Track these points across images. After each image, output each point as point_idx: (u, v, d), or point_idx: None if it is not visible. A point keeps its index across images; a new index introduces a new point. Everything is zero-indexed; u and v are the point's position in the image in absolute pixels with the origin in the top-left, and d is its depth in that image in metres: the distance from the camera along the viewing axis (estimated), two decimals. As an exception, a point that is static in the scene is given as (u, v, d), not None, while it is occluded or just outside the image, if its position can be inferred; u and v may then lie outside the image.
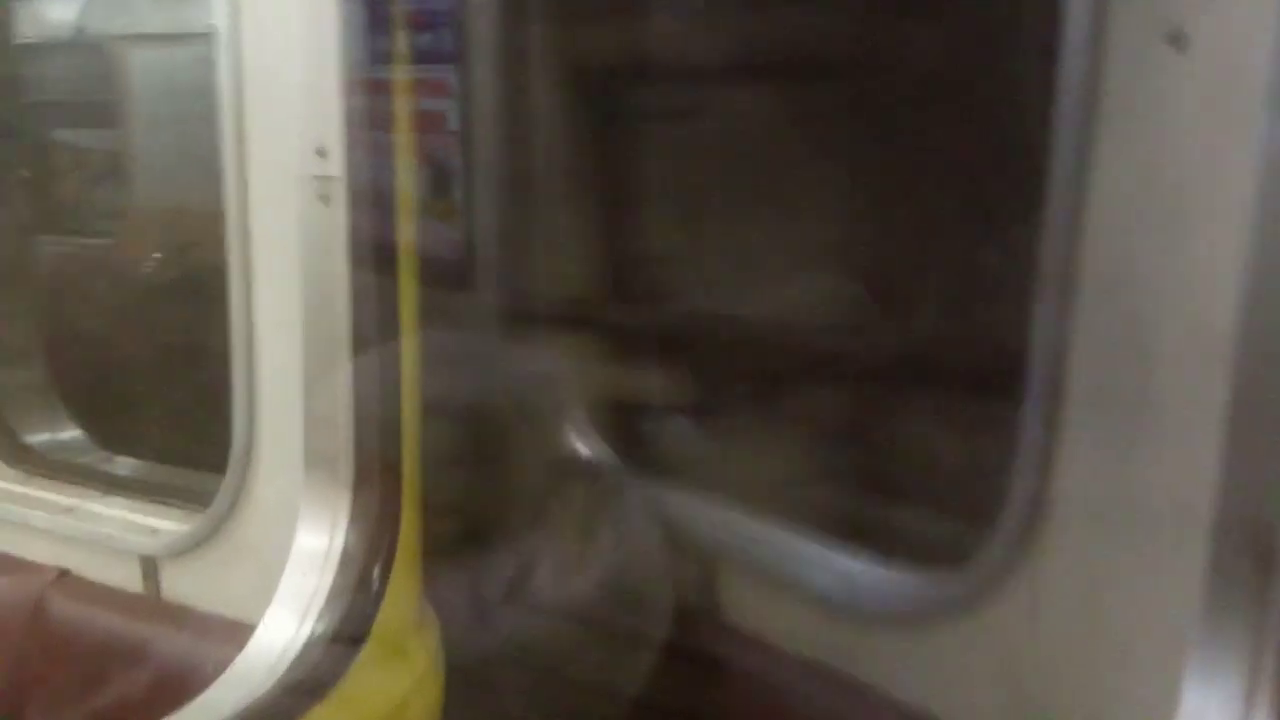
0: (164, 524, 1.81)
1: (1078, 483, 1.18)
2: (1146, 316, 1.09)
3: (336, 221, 1.47)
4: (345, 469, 1.51)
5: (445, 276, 1.99)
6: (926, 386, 1.55)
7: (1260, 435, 0.99)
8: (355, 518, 1.48)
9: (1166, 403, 1.09)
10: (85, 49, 3.45)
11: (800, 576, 1.53)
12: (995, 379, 1.28)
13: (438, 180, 2.06)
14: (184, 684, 1.52)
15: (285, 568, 1.49)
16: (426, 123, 2.02)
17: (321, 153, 1.44)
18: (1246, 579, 1.00)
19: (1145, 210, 1.08)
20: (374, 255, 1.52)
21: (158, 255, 2.95)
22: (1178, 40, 1.02)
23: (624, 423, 1.90)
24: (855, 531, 1.53)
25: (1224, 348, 1.02)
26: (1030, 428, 1.21)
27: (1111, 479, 1.15)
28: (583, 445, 1.89)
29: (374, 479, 1.51)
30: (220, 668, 1.45)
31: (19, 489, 2.03)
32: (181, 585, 1.75)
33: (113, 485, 1.98)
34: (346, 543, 1.47)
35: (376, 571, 1.47)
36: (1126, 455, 1.13)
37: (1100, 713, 1.18)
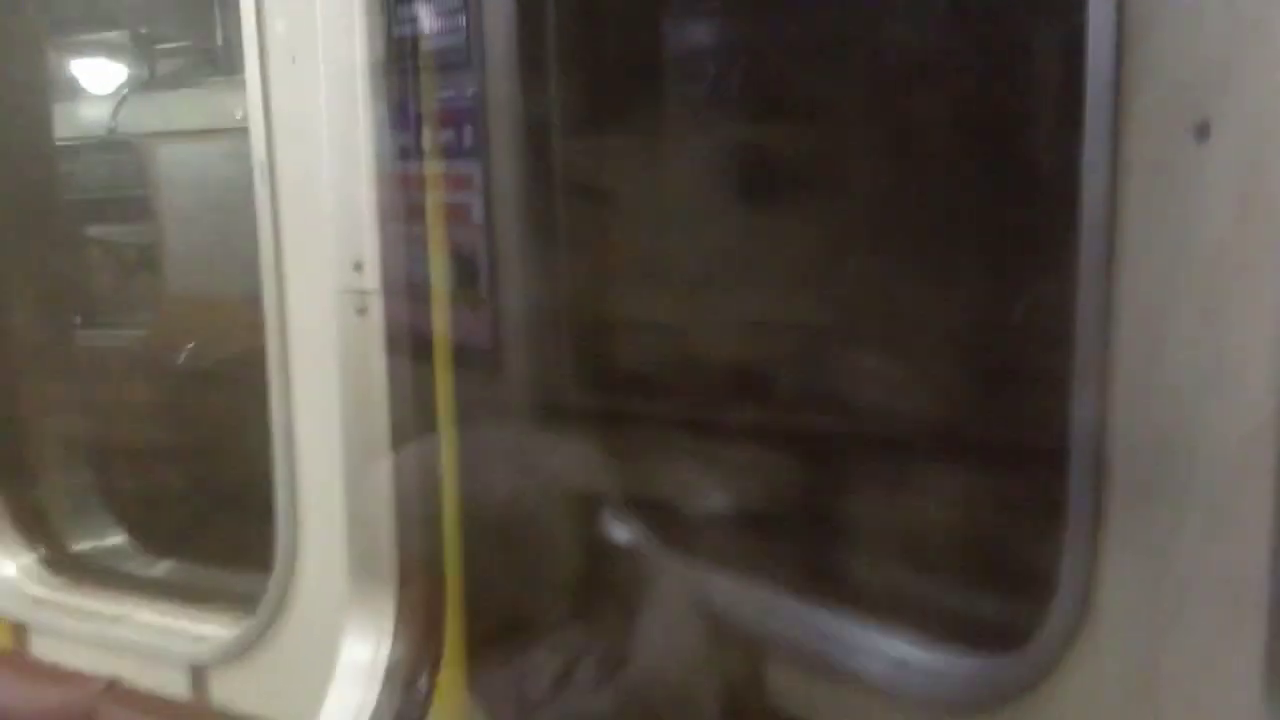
0: (210, 630, 1.82)
1: (1127, 568, 1.17)
2: (1185, 402, 1.09)
3: (373, 329, 1.50)
4: (389, 570, 1.51)
5: (475, 366, 2.00)
6: (973, 474, 1.54)
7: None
8: (401, 621, 1.49)
9: (1211, 486, 1.08)
10: (119, 146, 3.55)
11: (850, 662, 1.51)
12: (1041, 466, 1.27)
13: (463, 271, 2.09)
14: (234, 791, 1.51)
15: (333, 675, 1.49)
16: (453, 216, 2.06)
17: (358, 267, 1.47)
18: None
19: (1177, 297, 1.08)
20: (410, 354, 1.54)
21: (192, 345, 3.00)
22: (1202, 131, 1.03)
23: (665, 509, 1.90)
24: (904, 617, 1.51)
25: (1266, 428, 1.01)
26: (1075, 514, 1.20)
27: (1161, 563, 1.13)
28: (623, 533, 1.89)
29: (418, 579, 1.52)
30: (271, 774, 1.45)
31: (66, 598, 2.05)
32: (229, 691, 1.76)
33: (158, 591, 1.99)
34: (393, 650, 1.47)
35: (424, 677, 1.47)
36: (1175, 538, 1.12)
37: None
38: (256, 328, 1.66)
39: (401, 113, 1.66)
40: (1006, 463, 1.47)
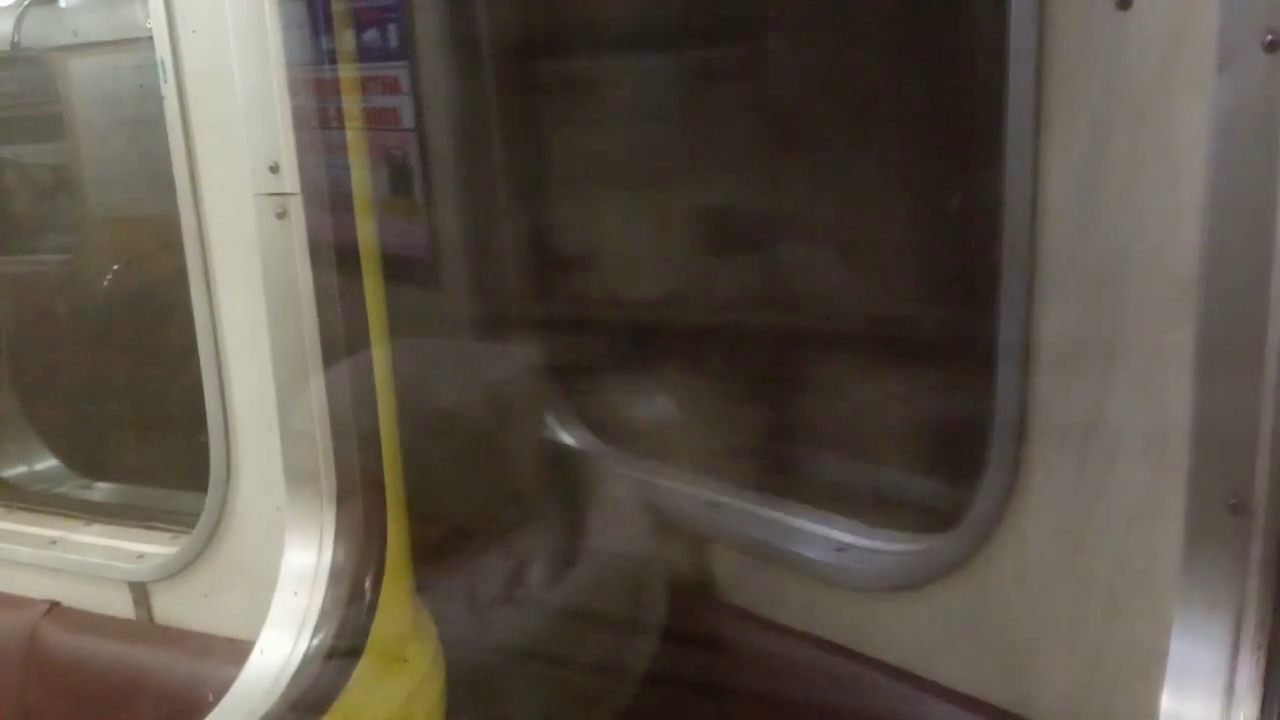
0: (150, 548, 1.80)
1: (1055, 440, 1.19)
2: (1110, 270, 1.10)
3: (295, 235, 1.45)
4: (327, 482, 1.50)
5: (413, 276, 1.97)
6: (901, 353, 1.56)
7: (1228, 381, 1.01)
8: (341, 531, 1.48)
9: (1137, 353, 1.10)
10: (23, 61, 3.38)
11: (790, 549, 1.55)
12: (968, 343, 1.28)
13: (397, 178, 2.03)
14: (184, 706, 1.52)
15: (276, 585, 1.49)
16: (380, 120, 1.99)
17: (274, 169, 1.42)
18: (1226, 527, 1.02)
19: (1101, 170, 1.09)
20: (337, 263, 1.50)
21: (115, 267, 2.91)
22: (1124, 2, 1.02)
23: (609, 410, 1.91)
24: (842, 501, 1.54)
25: (1188, 301, 1.03)
26: (1003, 387, 1.22)
27: (1088, 434, 1.16)
28: (566, 434, 1.89)
29: (357, 490, 1.50)
30: (219, 687, 1.45)
31: (1, 524, 2.02)
32: (173, 608, 1.75)
33: (95, 513, 1.97)
34: (335, 557, 1.47)
35: (368, 582, 1.47)
36: (1101, 409, 1.14)
37: (1091, 665, 1.20)
38: (178, 245, 1.60)
39: (311, 11, 1.59)
40: (937, 346, 1.49)
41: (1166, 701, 1.04)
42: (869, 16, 1.53)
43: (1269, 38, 0.91)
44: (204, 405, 1.64)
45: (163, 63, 1.53)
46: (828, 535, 1.51)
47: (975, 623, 1.31)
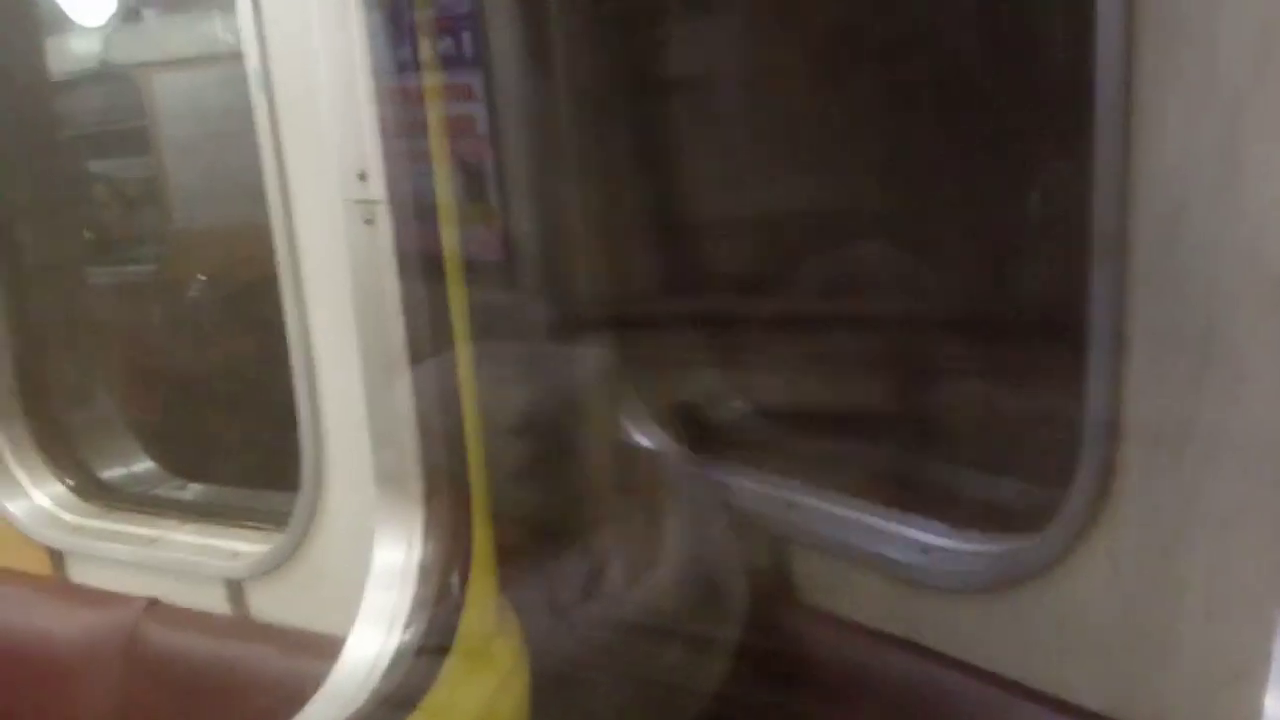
0: (244, 546, 1.85)
1: (1149, 438, 1.17)
2: (1205, 266, 1.08)
3: (383, 241, 1.49)
4: (415, 482, 1.53)
5: (488, 280, 2.00)
6: (990, 349, 1.54)
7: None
8: (429, 529, 1.51)
9: (1234, 347, 1.07)
10: (114, 79, 3.50)
11: (873, 551, 1.54)
12: (1058, 340, 1.26)
13: (472, 184, 2.07)
14: (279, 699, 1.56)
15: (366, 583, 1.52)
16: (457, 128, 2.03)
17: (363, 176, 1.46)
18: (1333, 525, 0.99)
19: (1195, 161, 1.06)
20: (421, 268, 1.53)
21: (201, 276, 3.00)
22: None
23: (685, 410, 1.91)
24: (927, 503, 1.53)
25: (1283, 290, 1.00)
26: (1095, 385, 1.19)
27: (1184, 431, 1.13)
28: (644, 437, 1.90)
29: (443, 489, 1.54)
30: (313, 681, 1.49)
31: (100, 524, 2.09)
32: (267, 604, 1.80)
33: (191, 513, 2.03)
34: (423, 555, 1.50)
35: (454, 580, 1.50)
36: (1197, 405, 1.12)
37: (1189, 668, 1.17)
38: (268, 254, 1.65)
39: (395, 21, 1.63)
40: (1026, 343, 1.46)
41: (1270, 705, 1.01)
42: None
43: (1379, 21, 0.88)
44: (292, 408, 1.68)
45: (254, 74, 1.58)
46: (912, 536, 1.50)
47: (1066, 625, 1.29)
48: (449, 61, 2.05)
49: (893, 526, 1.53)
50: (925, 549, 1.47)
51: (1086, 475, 1.22)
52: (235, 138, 1.72)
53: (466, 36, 2.07)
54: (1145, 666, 1.22)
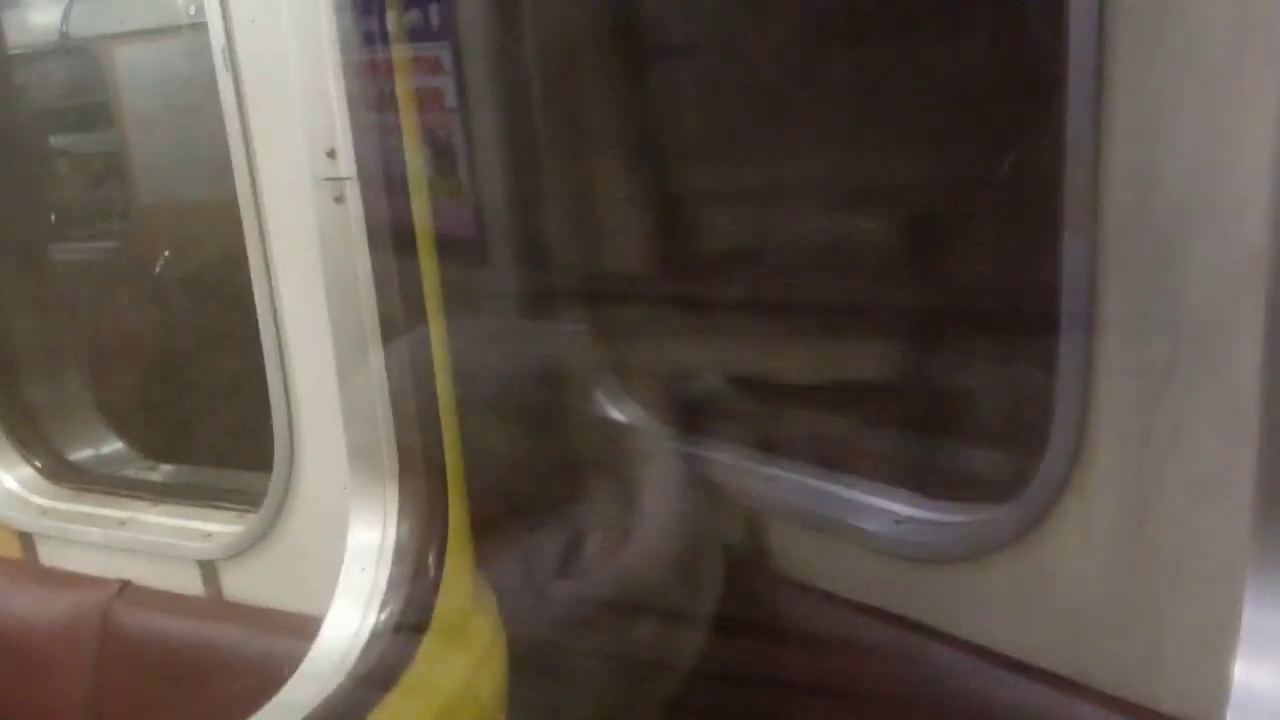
0: (217, 527, 1.84)
1: (1119, 408, 1.18)
2: (1176, 236, 1.08)
3: (353, 218, 1.47)
4: (389, 460, 1.52)
5: (459, 254, 1.98)
6: (960, 320, 1.55)
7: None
8: (404, 508, 1.51)
9: (1204, 319, 1.09)
10: (75, 52, 3.42)
11: (848, 522, 1.55)
12: (1029, 311, 1.27)
13: (441, 158, 2.05)
14: (255, 680, 1.55)
15: (342, 562, 1.52)
16: (425, 101, 2.00)
17: (331, 154, 1.44)
18: (1298, 492, 1.01)
19: (1167, 135, 1.07)
20: (392, 244, 1.52)
21: (167, 253, 2.96)
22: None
23: (658, 384, 1.91)
24: (900, 474, 1.54)
25: (1258, 262, 1.01)
26: (1066, 356, 1.20)
27: (1153, 402, 1.15)
28: (618, 411, 1.90)
29: (418, 467, 1.53)
30: (289, 661, 1.49)
31: (71, 506, 2.07)
32: (241, 585, 1.79)
33: (162, 494, 2.01)
34: (399, 534, 1.49)
35: (431, 559, 1.50)
36: (1167, 376, 1.13)
37: (1159, 635, 1.19)
38: (235, 230, 1.63)
39: (363, -7, 1.59)
40: (997, 313, 1.47)
41: (1239, 670, 1.03)
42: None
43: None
44: (263, 387, 1.67)
45: (219, 49, 1.55)
46: (886, 507, 1.51)
47: (1039, 593, 1.31)
48: (416, 34, 2.02)
49: (866, 498, 1.54)
50: (899, 519, 1.49)
51: (1057, 444, 1.24)
52: (200, 112, 1.69)
53: (434, 8, 2.05)
54: (1116, 633, 1.24)
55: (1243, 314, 1.03)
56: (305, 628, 1.52)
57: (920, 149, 1.58)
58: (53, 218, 2.90)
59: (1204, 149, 1.05)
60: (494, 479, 1.68)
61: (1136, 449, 1.17)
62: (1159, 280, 1.11)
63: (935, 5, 1.52)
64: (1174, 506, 1.15)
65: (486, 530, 1.60)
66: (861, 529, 1.52)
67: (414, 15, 2.03)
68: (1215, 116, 1.03)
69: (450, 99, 2.03)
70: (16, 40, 3.07)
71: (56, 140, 3.37)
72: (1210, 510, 1.11)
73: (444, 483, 1.53)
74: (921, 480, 1.51)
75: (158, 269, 2.97)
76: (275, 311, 1.61)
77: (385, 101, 1.53)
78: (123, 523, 1.95)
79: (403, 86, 1.55)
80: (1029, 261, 1.32)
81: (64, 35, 3.46)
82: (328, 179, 1.45)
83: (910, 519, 1.48)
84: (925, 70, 1.54)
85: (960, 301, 1.55)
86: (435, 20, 2.03)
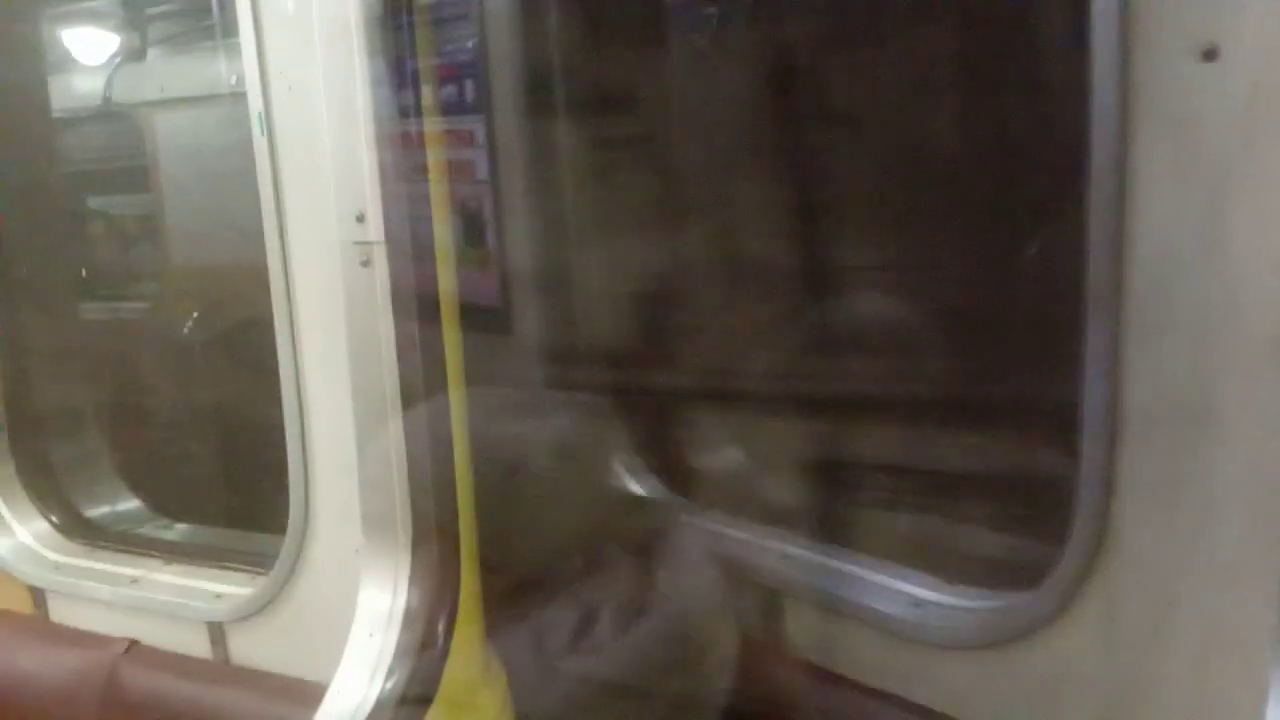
0: (228, 589, 1.83)
1: (1143, 495, 1.16)
2: (1196, 327, 1.08)
3: (379, 283, 1.49)
4: (403, 528, 1.52)
5: (484, 325, 2.00)
6: (984, 406, 1.54)
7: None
8: (416, 576, 1.49)
9: (1227, 406, 1.08)
10: (116, 117, 3.52)
11: (866, 604, 1.52)
12: (1053, 396, 1.26)
13: (470, 229, 2.08)
14: (258, 747, 1.53)
15: (351, 628, 1.50)
16: (457, 173, 2.04)
17: (360, 219, 1.46)
18: (1326, 588, 0.99)
19: (1186, 224, 1.07)
20: (416, 311, 1.53)
21: (195, 314, 3.00)
22: (1210, 54, 1.02)
23: (679, 460, 1.90)
24: (921, 558, 1.51)
25: (1276, 352, 1.01)
26: (1090, 446, 1.19)
27: (1177, 489, 1.13)
28: (636, 485, 1.89)
29: (431, 535, 1.52)
30: (293, 729, 1.47)
31: (83, 563, 2.07)
32: (249, 648, 1.77)
33: (174, 553, 2.01)
34: (409, 602, 1.48)
35: (440, 628, 1.48)
36: (1191, 466, 1.12)
37: (1182, 726, 1.16)
38: (261, 294, 1.65)
39: (398, 68, 1.64)
40: (1022, 399, 1.46)
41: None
42: (952, 65, 1.53)
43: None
44: (281, 450, 1.67)
45: (256, 116, 1.59)
46: (905, 590, 1.48)
47: (1060, 683, 1.27)
48: (451, 107, 2.07)
49: (885, 580, 1.51)
50: (918, 603, 1.46)
51: (1081, 531, 1.22)
52: (234, 178, 1.73)
53: (469, 84, 2.10)
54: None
55: (1262, 400, 1.03)
56: (311, 694, 1.50)
57: (956, 241, 1.60)
58: (83, 273, 2.94)
59: (1223, 235, 1.05)
60: (508, 550, 1.67)
61: (1160, 537, 1.15)
62: (1180, 369, 1.11)
63: (965, 94, 1.54)
64: (1198, 596, 1.13)
65: (499, 602, 1.58)
66: (880, 611, 1.49)
67: (450, 89, 2.09)
68: (1231, 205, 1.04)
69: (481, 171, 2.08)
70: (61, 105, 3.17)
71: (94, 201, 3.45)
72: (1235, 600, 1.09)
73: (457, 552, 1.51)
74: (942, 564, 1.48)
75: (185, 330, 3.01)
76: (298, 374, 1.62)
77: (415, 171, 1.56)
78: (134, 580, 1.94)
79: (434, 157, 1.58)
80: (1053, 346, 1.31)
81: (106, 100, 3.57)
82: (356, 243, 1.47)
83: (929, 603, 1.45)
84: (952, 159, 1.56)
85: (985, 384, 1.54)
86: (470, 95, 2.08)
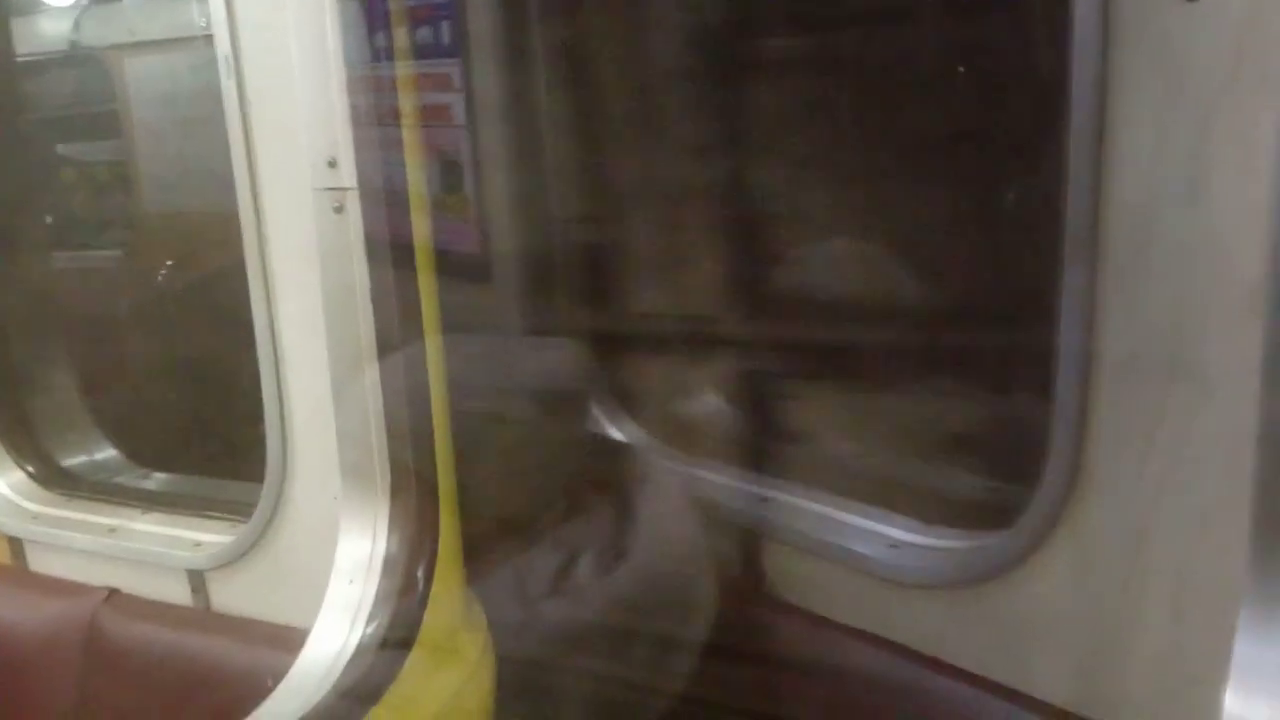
0: (207, 537, 1.83)
1: (1115, 439, 1.18)
2: (1175, 267, 1.08)
3: (352, 229, 1.47)
4: (381, 474, 1.52)
5: (463, 271, 1.99)
6: (959, 347, 1.55)
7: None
8: (394, 522, 1.50)
9: (1202, 351, 1.08)
10: (84, 60, 3.44)
11: (843, 546, 1.54)
12: (1029, 341, 1.27)
13: (448, 175, 2.05)
14: (241, 691, 1.54)
15: (330, 575, 1.51)
16: (433, 118, 2.01)
17: (332, 164, 1.44)
18: (1294, 527, 1.00)
19: (1167, 167, 1.07)
20: (392, 258, 1.52)
21: (170, 262, 2.96)
22: (1192, -9, 1.00)
23: (658, 404, 1.91)
24: (897, 498, 1.53)
25: (1255, 299, 1.01)
26: (1064, 387, 1.20)
27: (1151, 433, 1.14)
28: (615, 429, 1.90)
29: (409, 482, 1.52)
30: (275, 673, 1.48)
31: (61, 512, 2.06)
32: (229, 596, 1.78)
33: (153, 502, 2.00)
34: (388, 547, 1.48)
35: (420, 573, 1.49)
36: (1163, 409, 1.13)
37: (1153, 666, 1.18)
38: (234, 241, 1.63)
39: (370, 8, 1.61)
40: (996, 341, 1.47)
41: (1231, 703, 1.02)
42: (930, 9, 1.52)
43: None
44: (259, 398, 1.66)
45: (224, 59, 1.55)
46: (881, 531, 1.50)
47: (1033, 621, 1.30)
48: (426, 50, 2.03)
49: (862, 522, 1.53)
50: (894, 544, 1.48)
51: (1053, 472, 1.23)
52: (208, 123, 1.70)
53: (445, 25, 2.06)
54: (1109, 662, 1.23)
55: (1239, 347, 1.03)
56: (292, 640, 1.51)
57: (926, 181, 1.59)
58: (49, 220, 2.90)
59: (1202, 180, 1.05)
60: (488, 496, 1.68)
61: (1132, 480, 1.17)
62: (1157, 312, 1.11)
63: (937, 36, 1.53)
64: (1168, 538, 1.15)
65: (478, 547, 1.59)
66: (857, 552, 1.51)
67: (425, 31, 2.04)
68: (1212, 149, 1.03)
69: (458, 115, 2.04)
70: (26, 48, 3.09)
71: (63, 148, 3.39)
72: (1204, 542, 1.11)
73: (435, 498, 1.52)
74: (918, 506, 1.50)
75: (159, 278, 2.98)
76: (272, 321, 1.61)
77: (389, 115, 1.53)
78: (112, 530, 1.94)
79: (406, 101, 1.55)
80: (1030, 291, 1.32)
81: (74, 44, 3.48)
82: (328, 189, 1.45)
83: (905, 544, 1.47)
84: (930, 101, 1.55)
85: (964, 330, 1.55)
86: (446, 37, 2.04)
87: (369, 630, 1.46)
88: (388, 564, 1.47)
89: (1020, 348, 1.35)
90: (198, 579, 1.79)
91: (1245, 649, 1.03)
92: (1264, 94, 0.98)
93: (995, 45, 1.44)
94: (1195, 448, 1.10)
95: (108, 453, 2.31)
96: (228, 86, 1.55)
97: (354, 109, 1.48)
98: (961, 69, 1.49)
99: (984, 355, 1.49)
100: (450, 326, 1.54)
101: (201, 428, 2.47)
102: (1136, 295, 1.12)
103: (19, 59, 2.78)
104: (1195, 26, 1.02)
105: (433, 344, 1.52)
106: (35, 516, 2.07)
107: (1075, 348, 1.17)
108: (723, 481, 1.74)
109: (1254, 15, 0.98)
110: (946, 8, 1.51)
